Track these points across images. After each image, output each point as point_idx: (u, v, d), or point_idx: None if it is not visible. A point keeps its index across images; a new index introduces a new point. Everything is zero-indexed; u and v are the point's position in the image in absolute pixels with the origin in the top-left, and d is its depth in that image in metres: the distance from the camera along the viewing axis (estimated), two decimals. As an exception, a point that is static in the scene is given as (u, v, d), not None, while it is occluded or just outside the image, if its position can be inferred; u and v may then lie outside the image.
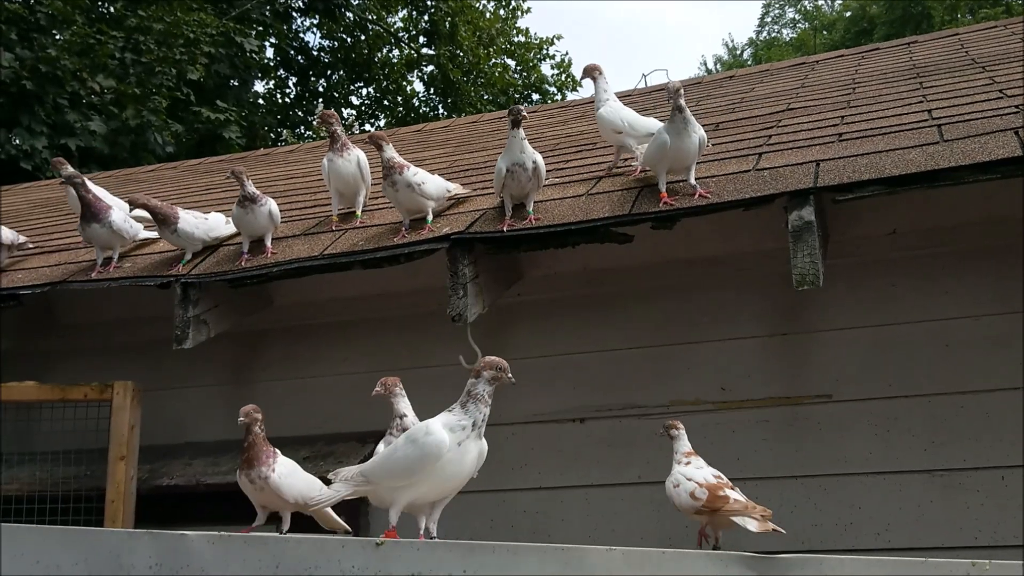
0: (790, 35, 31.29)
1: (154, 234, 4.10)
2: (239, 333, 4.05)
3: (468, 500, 2.69)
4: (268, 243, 3.67)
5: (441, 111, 19.47)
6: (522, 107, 3.41)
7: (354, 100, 19.86)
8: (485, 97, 19.22)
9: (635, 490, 3.56)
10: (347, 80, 19.48)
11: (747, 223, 3.34)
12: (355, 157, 3.74)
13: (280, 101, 18.71)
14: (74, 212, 4.27)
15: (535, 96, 20.43)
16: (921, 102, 3.87)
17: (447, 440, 2.26)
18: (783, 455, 3.47)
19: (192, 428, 4.19)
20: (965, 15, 20.92)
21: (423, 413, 3.13)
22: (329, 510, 2.91)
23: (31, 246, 4.41)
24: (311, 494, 2.78)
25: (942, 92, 4.01)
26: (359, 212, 3.80)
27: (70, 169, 4.08)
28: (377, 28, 18.92)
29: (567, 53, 25.00)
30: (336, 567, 1.94)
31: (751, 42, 32.10)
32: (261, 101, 17.35)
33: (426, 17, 19.21)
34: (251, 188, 3.66)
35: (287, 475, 2.76)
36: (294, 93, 19.07)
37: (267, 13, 15.90)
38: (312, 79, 18.99)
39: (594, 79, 3.68)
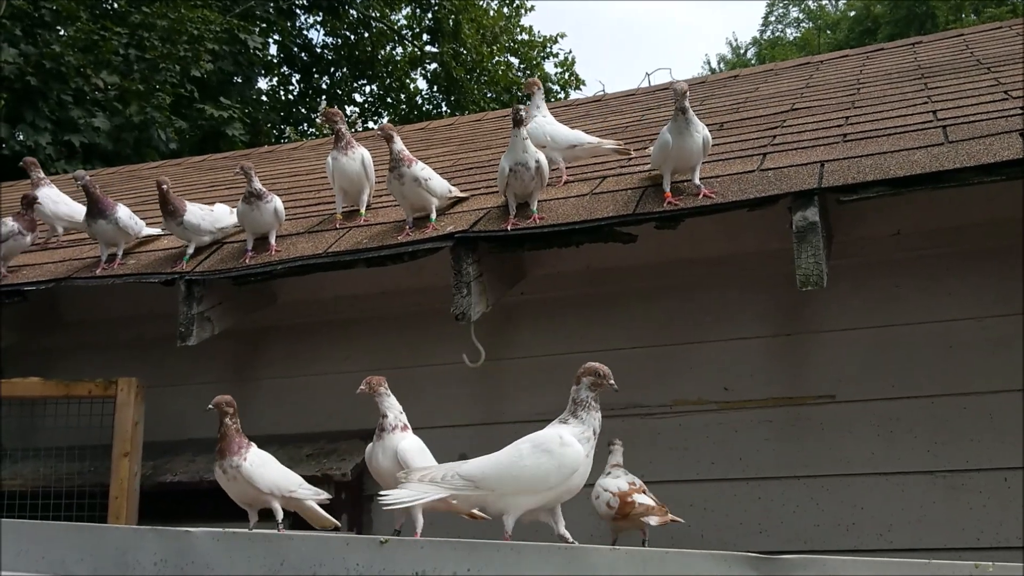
0: (794, 34, 31.30)
1: (158, 231, 4.11)
2: (242, 330, 4.05)
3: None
4: (272, 240, 3.68)
5: (444, 109, 19.45)
6: (524, 106, 3.41)
7: (357, 97, 19.87)
8: (488, 95, 19.19)
9: (637, 489, 3.56)
10: (350, 77, 19.46)
11: (751, 223, 3.34)
12: (359, 155, 3.75)
13: (283, 98, 18.70)
14: (44, 222, 4.34)
15: (538, 95, 20.35)
16: (926, 103, 3.87)
17: (583, 451, 2.26)
18: (786, 455, 3.47)
19: (195, 425, 4.17)
20: (969, 15, 20.88)
21: (424, 412, 3.15)
22: (317, 507, 2.92)
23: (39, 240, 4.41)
24: (287, 486, 2.78)
25: (947, 93, 4.00)
26: (363, 210, 3.81)
27: (41, 172, 4.21)
28: (380, 25, 18.90)
29: (571, 51, 24.99)
30: (340, 565, 1.93)
31: (755, 41, 32.12)
32: (264, 98, 17.34)
33: (430, 15, 19.18)
34: (258, 184, 3.67)
35: (259, 464, 2.75)
36: (297, 90, 19.06)
37: (271, 10, 15.87)
38: (315, 76, 18.98)
39: (531, 95, 3.99)
